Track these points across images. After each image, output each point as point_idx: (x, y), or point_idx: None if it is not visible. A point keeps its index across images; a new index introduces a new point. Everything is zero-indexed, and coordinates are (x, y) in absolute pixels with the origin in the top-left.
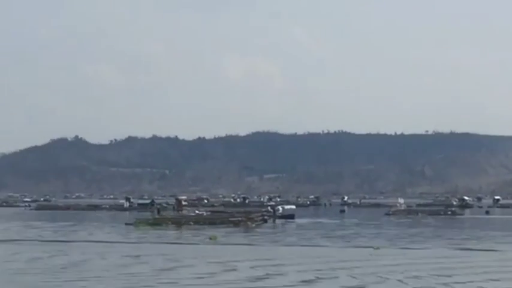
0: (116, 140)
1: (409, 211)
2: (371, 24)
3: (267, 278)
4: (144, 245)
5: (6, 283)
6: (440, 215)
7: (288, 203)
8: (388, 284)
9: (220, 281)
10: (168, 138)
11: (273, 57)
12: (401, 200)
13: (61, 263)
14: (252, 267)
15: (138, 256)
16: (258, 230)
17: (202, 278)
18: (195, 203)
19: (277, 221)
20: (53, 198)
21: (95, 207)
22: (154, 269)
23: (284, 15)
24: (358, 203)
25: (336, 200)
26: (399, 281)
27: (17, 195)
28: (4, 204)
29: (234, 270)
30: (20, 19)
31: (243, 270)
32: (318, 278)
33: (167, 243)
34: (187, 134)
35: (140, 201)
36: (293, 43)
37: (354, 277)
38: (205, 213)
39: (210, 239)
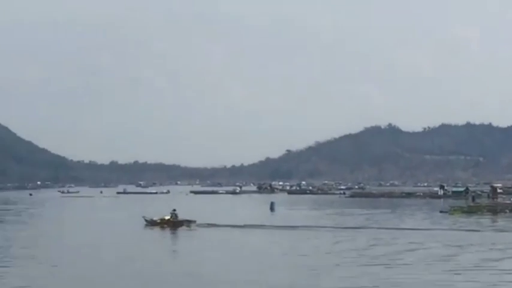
0: (429, 127)
1: None
2: None
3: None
4: (455, 233)
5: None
6: None
7: None
8: None
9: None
10: (482, 125)
11: None
12: None
13: (344, 249)
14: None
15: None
16: None
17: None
18: (510, 191)
19: None
20: (367, 186)
21: (409, 195)
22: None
23: None
24: None
25: None
26: None
27: (332, 182)
28: (319, 191)
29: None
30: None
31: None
32: None
33: (477, 230)
34: (502, 120)
35: (454, 189)
36: None
37: None
38: None
39: None
